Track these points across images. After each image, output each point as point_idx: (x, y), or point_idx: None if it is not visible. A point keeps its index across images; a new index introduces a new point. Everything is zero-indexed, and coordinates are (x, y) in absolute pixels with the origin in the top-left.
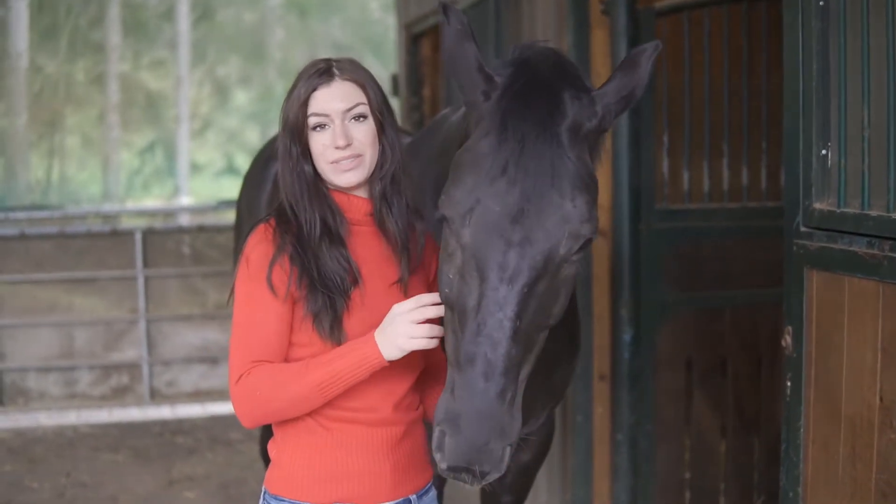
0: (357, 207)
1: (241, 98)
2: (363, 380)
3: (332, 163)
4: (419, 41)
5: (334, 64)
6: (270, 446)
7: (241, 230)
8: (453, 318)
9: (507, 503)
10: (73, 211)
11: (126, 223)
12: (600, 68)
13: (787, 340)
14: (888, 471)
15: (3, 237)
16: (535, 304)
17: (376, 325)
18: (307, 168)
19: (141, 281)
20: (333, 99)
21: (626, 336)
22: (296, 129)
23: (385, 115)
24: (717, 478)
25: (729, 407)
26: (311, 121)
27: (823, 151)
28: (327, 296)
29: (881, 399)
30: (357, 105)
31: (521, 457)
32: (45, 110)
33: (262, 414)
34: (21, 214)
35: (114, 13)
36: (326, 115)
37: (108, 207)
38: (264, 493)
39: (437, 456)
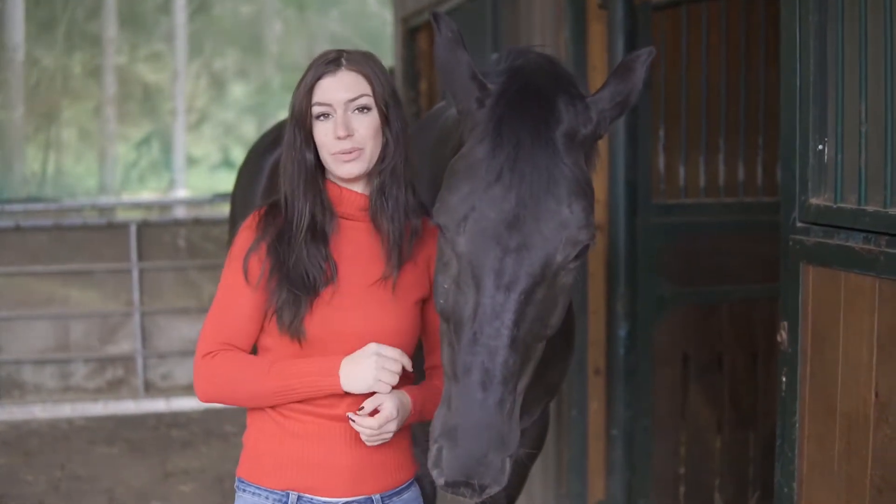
0: (350, 201)
1: (238, 91)
2: None
3: (332, 154)
4: (416, 35)
5: (344, 55)
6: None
7: (235, 222)
8: (449, 330)
9: (500, 498)
10: (69, 203)
11: (122, 216)
12: (597, 62)
13: (783, 336)
14: (883, 466)
15: None
16: (533, 312)
17: (338, 323)
18: (308, 156)
19: (136, 274)
20: (337, 89)
21: (622, 331)
22: (300, 117)
23: (391, 108)
24: (712, 473)
25: (725, 402)
26: (315, 110)
27: (820, 146)
28: (293, 293)
29: (877, 395)
30: (361, 96)
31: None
32: (41, 103)
33: (217, 397)
34: (17, 207)
35: (110, 5)
36: (329, 105)
37: (104, 200)
38: (237, 478)
39: (435, 472)
